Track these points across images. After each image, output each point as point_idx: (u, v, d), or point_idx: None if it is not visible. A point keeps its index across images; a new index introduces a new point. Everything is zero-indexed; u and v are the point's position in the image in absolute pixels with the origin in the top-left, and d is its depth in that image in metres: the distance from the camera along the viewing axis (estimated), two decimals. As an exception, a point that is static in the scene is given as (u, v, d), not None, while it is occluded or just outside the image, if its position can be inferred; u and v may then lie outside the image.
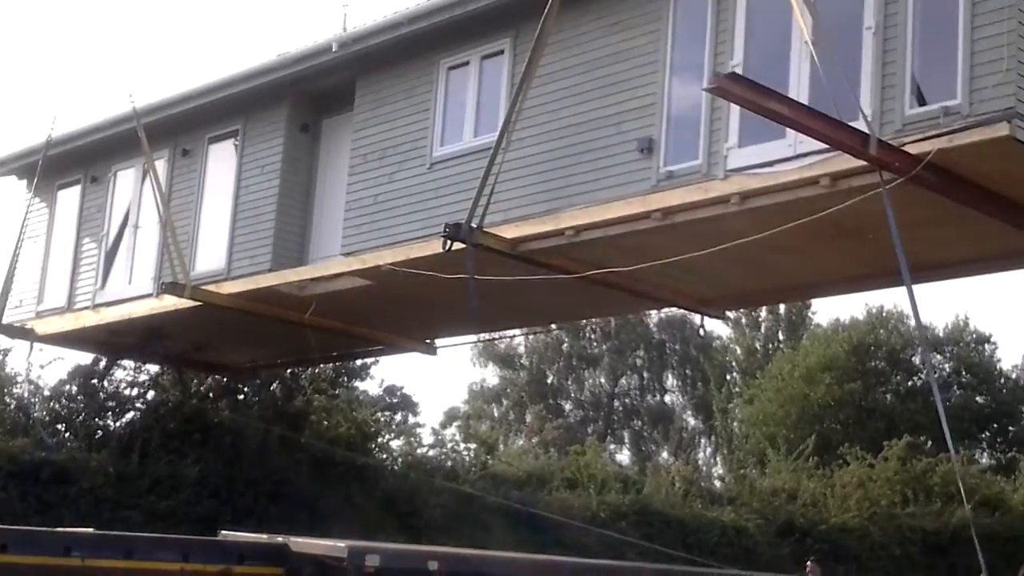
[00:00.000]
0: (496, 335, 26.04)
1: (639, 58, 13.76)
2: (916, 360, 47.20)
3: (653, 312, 48.96)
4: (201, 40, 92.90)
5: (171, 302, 19.20)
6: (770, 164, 12.19)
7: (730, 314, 58.98)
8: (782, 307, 55.77)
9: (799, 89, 12.00)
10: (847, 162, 11.34)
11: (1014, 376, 52.39)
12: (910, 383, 46.92)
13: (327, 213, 18.63)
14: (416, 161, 16.52)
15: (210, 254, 19.65)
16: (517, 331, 28.12)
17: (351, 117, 17.76)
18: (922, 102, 11.30)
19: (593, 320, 49.06)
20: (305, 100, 18.86)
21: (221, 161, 19.82)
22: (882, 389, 45.26)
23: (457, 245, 14.38)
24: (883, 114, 11.42)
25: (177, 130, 20.18)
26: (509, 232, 14.74)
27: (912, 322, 50.85)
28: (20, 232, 21.57)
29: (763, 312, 56.73)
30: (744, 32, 12.75)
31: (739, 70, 12.64)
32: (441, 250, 14.42)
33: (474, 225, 14.08)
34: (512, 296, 16.98)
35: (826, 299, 74.53)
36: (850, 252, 14.15)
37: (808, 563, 21.93)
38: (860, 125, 11.38)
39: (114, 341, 22.57)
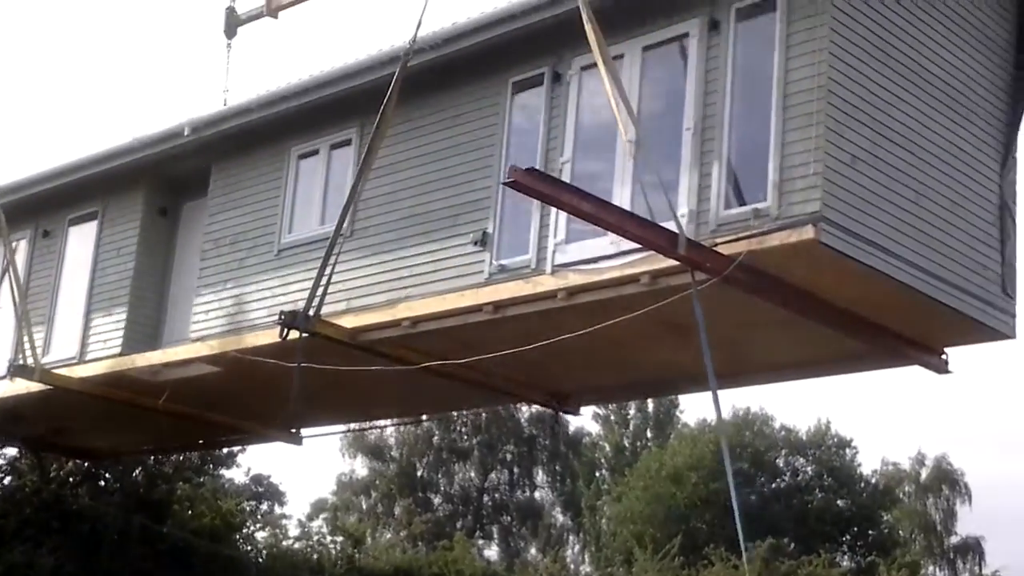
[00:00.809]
0: (366, 425, 25.52)
1: (476, 152, 13.78)
2: (780, 463, 48.12)
3: (523, 406, 49.99)
4: (94, 117, 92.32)
5: (23, 385, 18.76)
6: (594, 261, 12.17)
7: (598, 410, 59.99)
8: (650, 405, 56.69)
9: (623, 187, 12.06)
10: (666, 261, 11.36)
11: (874, 480, 53.70)
12: (774, 485, 47.90)
13: (184, 297, 18.33)
14: (265, 248, 16.38)
15: (66, 336, 19.26)
16: (384, 422, 27.68)
17: (207, 201, 17.63)
18: (741, 202, 11.38)
19: (464, 412, 48.99)
20: (164, 183, 18.68)
21: (81, 243, 19.52)
22: (747, 490, 46.02)
23: (295, 333, 14.26)
24: (699, 214, 11.49)
25: (39, 210, 19.90)
26: (349, 321, 14.60)
27: (777, 424, 53.04)
28: None
29: (631, 410, 57.46)
30: (574, 131, 12.83)
31: (567, 167, 12.76)
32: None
33: (311, 313, 13.92)
34: (365, 387, 16.82)
35: (689, 397, 75.45)
36: (686, 350, 14.14)
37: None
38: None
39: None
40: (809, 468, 51.19)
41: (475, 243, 13.42)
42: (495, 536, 55.11)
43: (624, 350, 14.25)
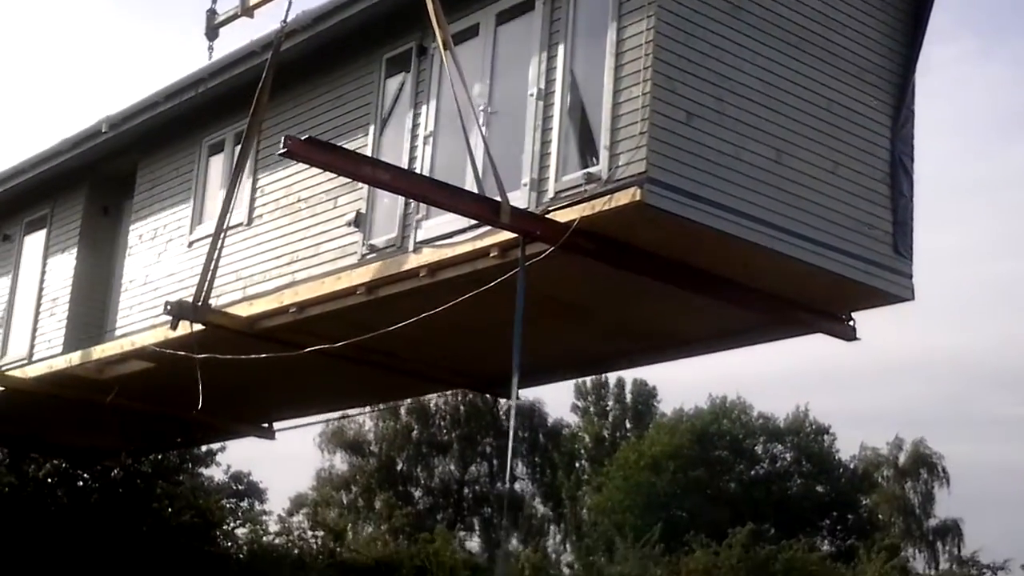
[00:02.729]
0: (334, 416, 25.22)
1: (354, 131, 13.44)
2: (759, 450, 47.78)
3: (502, 400, 49.81)
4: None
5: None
6: (451, 235, 11.77)
7: (577, 402, 59.44)
8: (628, 396, 56.65)
9: (477, 160, 11.61)
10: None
11: (852, 465, 53.28)
12: (752, 472, 47.61)
13: (127, 295, 18.28)
14: (179, 241, 16.23)
15: (20, 338, 19.31)
16: (354, 411, 27.30)
17: (134, 198, 17.53)
18: (577, 168, 10.91)
19: (441, 407, 48.86)
20: (105, 182, 18.57)
21: (34, 245, 19.56)
22: (726, 477, 45.96)
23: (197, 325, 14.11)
24: (540, 182, 11.03)
25: (1, 214, 19.93)
26: (244, 310, 14.36)
27: (755, 412, 52.50)
28: None
29: (610, 401, 57.36)
30: (436, 105, 12.45)
31: (430, 141, 12.39)
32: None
33: (199, 303, 13.71)
34: (290, 379, 16.64)
35: (667, 387, 75.00)
36: (586, 330, 13.72)
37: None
38: (522, 193, 11.07)
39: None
40: (788, 455, 51.08)
41: (349, 224, 13.08)
42: (476, 528, 54.87)
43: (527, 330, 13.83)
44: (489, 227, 11.19)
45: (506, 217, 10.22)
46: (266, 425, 21.07)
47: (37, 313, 18.97)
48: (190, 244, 15.95)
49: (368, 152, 13.01)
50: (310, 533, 26.81)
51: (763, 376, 78.50)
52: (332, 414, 23.15)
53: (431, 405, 50.99)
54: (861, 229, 11.96)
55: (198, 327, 14.26)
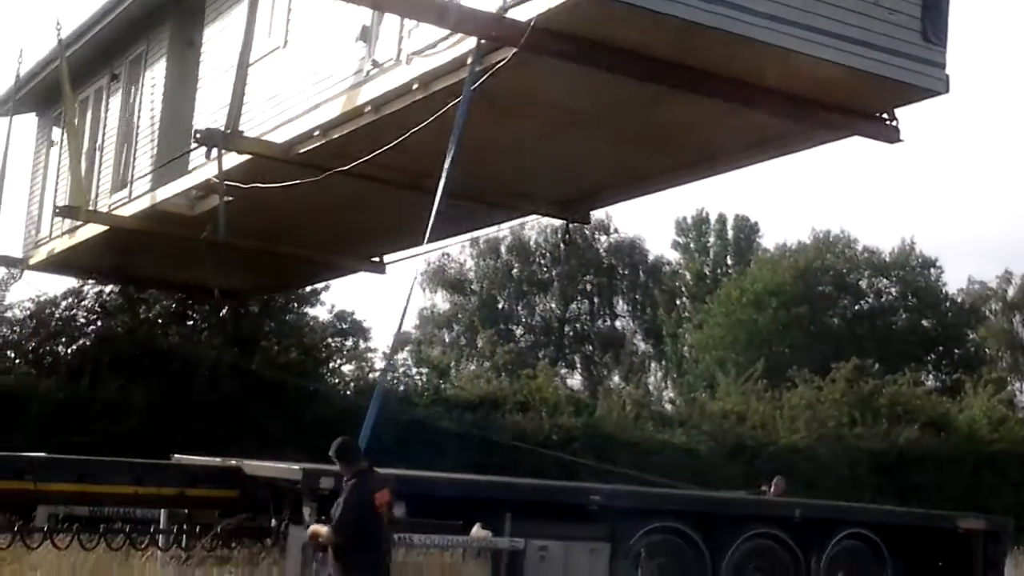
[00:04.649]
0: (437, 246, 24.64)
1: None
2: (863, 284, 46.26)
3: (602, 236, 49.06)
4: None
5: (93, 228, 19.52)
6: (435, 44, 11.42)
7: (678, 238, 57.13)
8: (730, 232, 55.30)
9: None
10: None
11: (959, 300, 51.23)
12: (857, 307, 46.24)
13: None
14: (234, 71, 16.20)
15: (123, 177, 19.85)
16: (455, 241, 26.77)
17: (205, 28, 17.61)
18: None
19: (541, 245, 47.86)
20: (189, 15, 18.66)
21: (136, 82, 19.94)
22: (829, 313, 44.99)
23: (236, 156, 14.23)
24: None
25: (110, 54, 20.34)
26: (279, 136, 14.34)
27: (860, 246, 50.54)
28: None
29: (711, 237, 56.09)
30: None
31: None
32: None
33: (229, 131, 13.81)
34: (359, 210, 16.68)
35: (770, 222, 72.12)
36: (614, 141, 13.28)
37: (775, 480, 20.85)
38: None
39: (89, 265, 22.70)
40: (893, 289, 49.50)
41: (357, 39, 12.82)
42: (577, 365, 54.96)
43: (557, 145, 13.47)
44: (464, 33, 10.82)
45: (453, 17, 9.80)
46: (376, 260, 21.11)
47: (135, 150, 19.41)
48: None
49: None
50: (415, 370, 27.31)
51: (866, 207, 75.39)
52: (436, 243, 22.97)
53: (531, 243, 51.15)
54: (878, 14, 11.01)
55: (239, 157, 14.43)
